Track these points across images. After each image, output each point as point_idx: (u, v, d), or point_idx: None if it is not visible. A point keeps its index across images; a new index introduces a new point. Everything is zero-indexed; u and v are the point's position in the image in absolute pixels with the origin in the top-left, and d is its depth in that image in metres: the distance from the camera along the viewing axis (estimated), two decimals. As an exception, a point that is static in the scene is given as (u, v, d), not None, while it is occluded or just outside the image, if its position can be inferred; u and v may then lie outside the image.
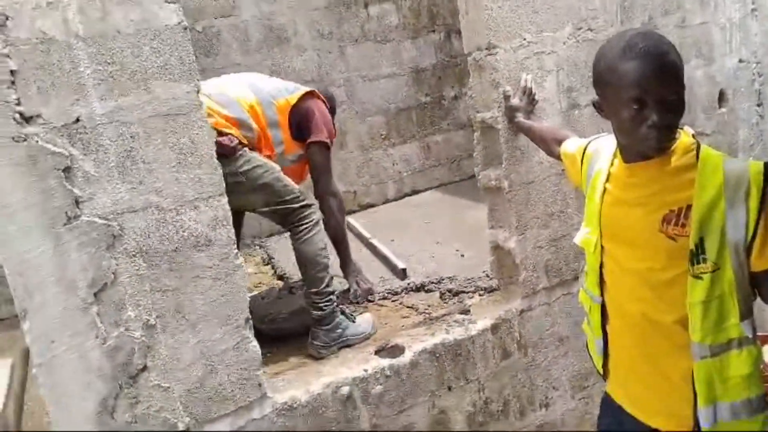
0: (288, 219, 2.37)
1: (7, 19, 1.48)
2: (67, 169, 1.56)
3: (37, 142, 1.53)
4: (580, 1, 2.42)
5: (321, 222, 2.44)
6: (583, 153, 1.57)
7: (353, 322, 2.42)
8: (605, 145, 1.50)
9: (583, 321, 1.68)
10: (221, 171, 1.78)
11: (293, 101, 2.55)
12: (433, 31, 5.06)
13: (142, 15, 1.61)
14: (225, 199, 1.79)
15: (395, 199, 4.99)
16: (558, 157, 1.88)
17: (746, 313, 1.26)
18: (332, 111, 2.88)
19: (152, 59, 1.64)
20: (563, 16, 2.39)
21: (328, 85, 4.51)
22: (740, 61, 3.03)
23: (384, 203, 4.96)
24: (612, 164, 1.44)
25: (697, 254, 1.24)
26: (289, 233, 2.43)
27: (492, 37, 2.26)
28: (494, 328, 2.38)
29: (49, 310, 1.57)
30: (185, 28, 1.67)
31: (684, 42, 2.76)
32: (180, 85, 1.68)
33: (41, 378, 1.59)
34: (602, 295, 1.50)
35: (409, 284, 2.90)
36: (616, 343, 1.50)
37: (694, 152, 1.28)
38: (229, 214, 1.81)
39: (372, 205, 4.90)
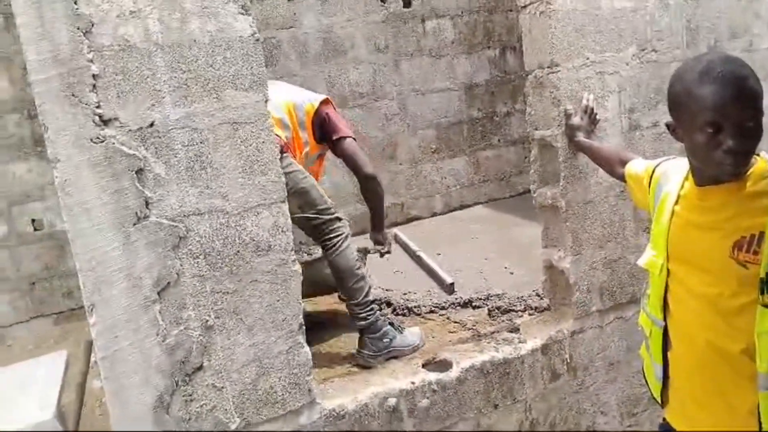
0: (318, 230, 2.43)
1: (92, 25, 1.56)
2: (139, 171, 1.63)
3: (114, 144, 1.60)
4: (645, 22, 2.39)
5: (350, 236, 2.50)
6: (651, 174, 1.55)
7: (401, 333, 2.42)
8: (675, 167, 1.47)
9: (641, 345, 1.64)
10: (284, 179, 1.82)
11: (316, 106, 2.69)
12: (489, 47, 5.07)
13: (217, 25, 1.67)
14: (286, 206, 1.83)
15: (442, 213, 4.99)
16: (621, 178, 1.85)
17: None
18: None
19: (225, 68, 1.69)
20: (628, 36, 2.36)
21: (382, 98, 4.57)
22: (811, 86, 2.92)
23: (431, 216, 4.97)
24: (682, 187, 1.41)
25: (767, 283, 1.21)
26: (321, 248, 2.52)
27: (555, 55, 2.25)
28: (544, 348, 2.35)
29: (115, 305, 1.63)
30: (258, 40, 1.73)
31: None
32: (249, 94, 1.73)
33: (104, 371, 1.65)
34: (665, 319, 1.47)
35: (456, 299, 2.89)
36: (678, 370, 1.46)
37: None
38: (289, 221, 1.85)
39: (419, 218, 4.92)
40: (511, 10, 5.11)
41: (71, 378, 3.01)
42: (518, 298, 2.77)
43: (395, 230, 4.38)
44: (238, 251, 1.77)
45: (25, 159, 3.84)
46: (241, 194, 1.76)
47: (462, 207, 5.09)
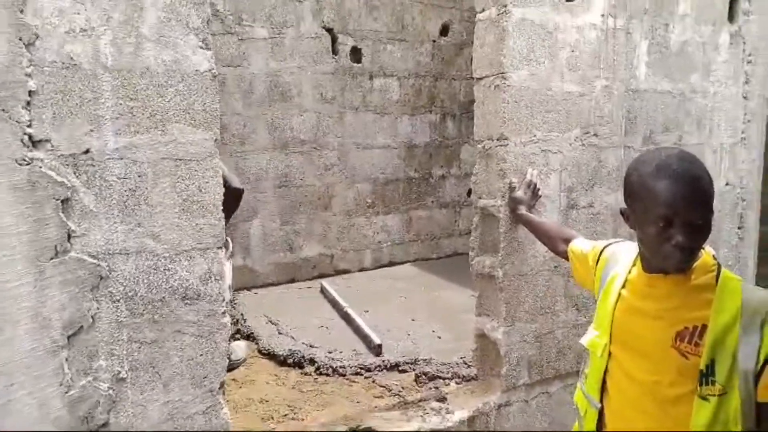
0: None
1: (37, 38, 1.43)
2: (65, 200, 1.48)
3: (41, 168, 1.45)
4: (590, 107, 2.50)
5: None
6: (599, 256, 1.56)
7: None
8: (623, 250, 1.49)
9: (573, 424, 1.62)
10: (223, 223, 1.71)
11: None
12: (431, 111, 5.19)
13: (174, 56, 1.58)
14: (222, 252, 1.72)
15: (372, 268, 4.94)
16: (562, 255, 1.87)
17: None
18: None
19: (176, 101, 1.60)
20: (573, 119, 2.46)
21: (323, 147, 4.54)
22: (726, 184, 3.14)
23: (360, 270, 4.90)
24: (630, 271, 1.43)
25: (706, 375, 1.22)
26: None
27: (504, 128, 2.30)
28: (471, 420, 2.29)
29: (17, 348, 1.44)
30: (215, 76, 1.65)
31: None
32: (198, 131, 1.64)
33: (-9, 422, 1.44)
34: (602, 401, 1.46)
35: (383, 361, 2.81)
36: None
37: (714, 273, 1.28)
38: (224, 268, 1.73)
39: (347, 271, 4.83)
40: (455, 79, 5.28)
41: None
42: (445, 364, 2.72)
43: (323, 282, 4.28)
44: (164, 297, 1.63)
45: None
46: (175, 236, 1.63)
47: (391, 264, 5.07)
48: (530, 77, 2.33)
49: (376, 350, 2.96)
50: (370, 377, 2.68)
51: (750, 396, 1.20)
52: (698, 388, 1.22)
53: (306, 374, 2.71)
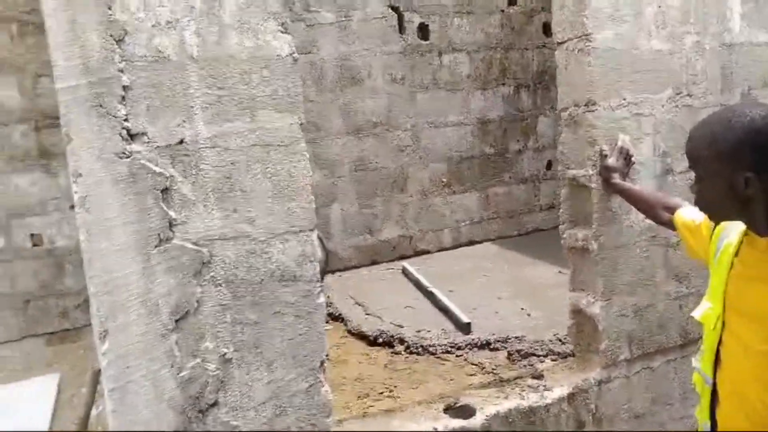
0: None
1: (126, 33, 1.48)
2: (165, 190, 1.53)
3: (140, 160, 1.50)
4: (681, 65, 2.34)
5: None
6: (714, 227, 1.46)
7: None
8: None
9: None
10: (314, 206, 1.72)
11: None
12: (503, 84, 5.05)
13: (256, 42, 1.60)
14: (314, 235, 1.73)
15: (451, 248, 4.89)
16: (666, 224, 1.77)
17: None
18: None
19: (261, 88, 1.61)
20: (664, 79, 2.31)
21: (395, 129, 4.52)
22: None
23: (439, 251, 4.87)
24: (742, 240, 1.33)
25: None
26: None
27: (592, 93, 2.18)
28: (571, 397, 2.23)
29: (130, 333, 1.52)
30: (296, 60, 1.65)
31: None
32: (285, 116, 1.65)
33: (112, 404, 1.52)
34: (715, 376, 1.37)
35: (473, 340, 2.78)
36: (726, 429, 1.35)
37: None
38: (318, 250, 1.74)
39: (427, 252, 4.81)
40: (527, 49, 5.11)
41: (64, 403, 2.85)
42: (539, 341, 2.66)
43: (404, 263, 4.28)
44: (263, 280, 1.66)
45: (29, 171, 3.73)
46: (269, 220, 1.66)
47: (471, 243, 5.00)
48: (615, 37, 2.20)
49: (465, 329, 2.93)
50: (461, 355, 2.66)
51: None
52: None
53: (396, 353, 2.73)
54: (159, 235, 1.53)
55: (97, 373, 2.91)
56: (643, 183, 2.28)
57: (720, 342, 1.36)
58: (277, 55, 1.64)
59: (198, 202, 1.57)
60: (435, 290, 3.47)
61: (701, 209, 1.34)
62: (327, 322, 3.01)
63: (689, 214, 1.63)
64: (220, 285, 1.60)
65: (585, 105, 2.21)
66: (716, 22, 2.41)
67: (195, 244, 1.57)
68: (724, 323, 1.34)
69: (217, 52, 1.57)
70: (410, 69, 4.60)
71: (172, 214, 1.54)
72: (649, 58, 2.28)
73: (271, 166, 1.64)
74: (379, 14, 4.44)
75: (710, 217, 1.36)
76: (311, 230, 1.71)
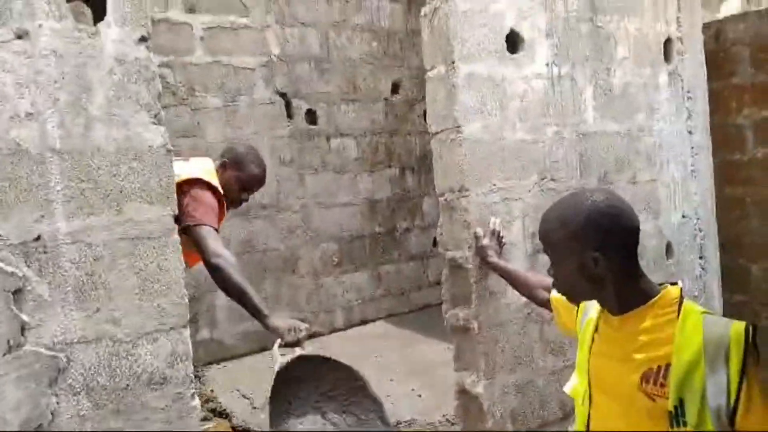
0: None
1: (-21, 127, 1.39)
2: (17, 292, 1.41)
3: (-12, 259, 1.38)
4: (544, 153, 2.56)
5: None
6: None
7: None
8: None
9: None
10: (187, 301, 1.65)
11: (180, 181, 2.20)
12: (389, 166, 5.24)
13: (125, 134, 1.56)
14: (187, 332, 1.65)
15: (344, 329, 4.84)
16: (541, 303, 1.85)
17: None
18: (238, 163, 2.60)
19: (130, 179, 1.56)
20: (530, 165, 2.50)
21: (285, 210, 4.51)
22: (683, 216, 3.23)
23: (331, 332, 4.80)
24: (599, 316, 1.42)
25: (676, 416, 1.18)
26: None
27: (464, 180, 2.32)
28: (460, 483, 2.21)
29: (-34, 457, 1.34)
30: (169, 151, 1.63)
31: (636, 197, 2.92)
32: (155, 207, 1.60)
33: None
34: None
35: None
36: None
37: (677, 307, 1.25)
38: (190, 349, 1.65)
39: (320, 334, 4.71)
40: (410, 134, 5.38)
41: None
42: (429, 424, 2.65)
43: (298, 350, 4.15)
44: (128, 385, 1.54)
45: None
46: (136, 318, 1.56)
47: (363, 322, 4.98)
48: (483, 129, 2.38)
49: (356, 416, 2.85)
50: (351, 446, 2.57)
51: None
52: (669, 428, 1.18)
53: (284, 449, 2.58)
54: (8, 341, 1.39)
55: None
56: (515, 263, 2.41)
57: (590, 417, 1.41)
58: (149, 146, 1.60)
59: (55, 302, 1.45)
60: (326, 376, 3.38)
61: (559, 291, 1.41)
62: (209, 419, 2.84)
63: None
64: (79, 393, 1.47)
65: (459, 191, 2.34)
66: (573, 113, 2.68)
67: (50, 349, 1.44)
68: (591, 398, 1.40)
69: (82, 143, 1.51)
70: (299, 152, 4.67)
71: (24, 317, 1.41)
72: (515, 147, 2.47)
73: (139, 261, 1.57)
74: (267, 100, 4.51)
75: (568, 298, 1.41)
76: (183, 327, 1.63)
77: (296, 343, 2.23)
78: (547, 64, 2.57)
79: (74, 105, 1.50)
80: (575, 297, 1.40)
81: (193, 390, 1.64)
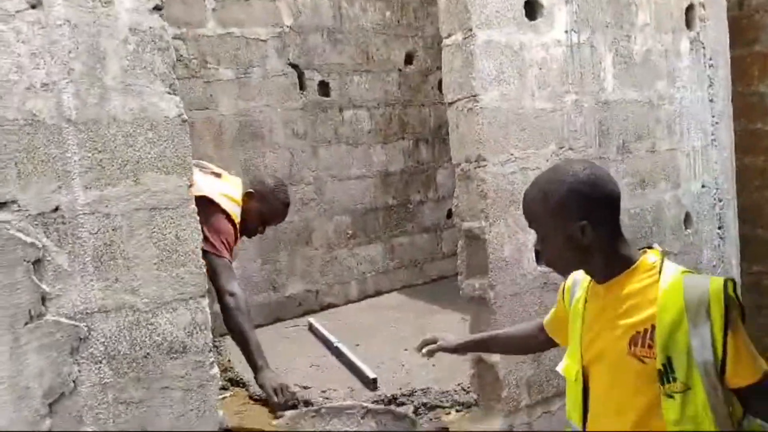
0: None
1: (-5, 98, 1.38)
2: (37, 262, 1.42)
3: (9, 230, 1.39)
4: (563, 122, 2.52)
5: None
6: (563, 290, 1.52)
7: None
8: (581, 272, 1.45)
9: None
10: (205, 270, 1.66)
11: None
12: (403, 138, 5.19)
13: (141, 104, 1.55)
14: (206, 301, 1.66)
15: (358, 300, 4.86)
16: (546, 343, 1.67)
17: None
18: (265, 198, 2.73)
19: (146, 150, 1.56)
20: (548, 134, 2.47)
21: (299, 182, 4.51)
22: (703, 186, 3.18)
23: (346, 304, 4.82)
24: (587, 290, 1.40)
25: (666, 373, 1.20)
26: None
27: (481, 150, 2.29)
28: (475, 450, 2.23)
29: (-6, 423, 1.36)
30: (184, 121, 1.62)
31: (655, 166, 2.88)
32: (172, 177, 1.59)
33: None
34: (584, 425, 1.41)
35: (380, 396, 2.73)
36: None
37: (657, 269, 1.26)
38: (209, 318, 1.67)
39: (334, 305, 4.75)
40: (423, 105, 5.31)
41: None
42: (444, 392, 2.67)
43: (310, 319, 4.20)
44: (148, 354, 1.56)
45: None
46: (155, 288, 1.57)
47: (377, 293, 5.00)
48: (501, 97, 2.34)
49: (372, 385, 2.88)
50: (367, 414, 2.60)
51: (715, 388, 1.18)
52: (661, 387, 1.21)
53: (301, 417, 2.62)
54: (30, 311, 1.41)
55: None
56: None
57: (587, 392, 1.40)
58: (165, 117, 1.59)
59: (75, 273, 1.46)
60: (341, 346, 3.41)
61: (548, 264, 1.41)
62: (227, 389, 2.87)
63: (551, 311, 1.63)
64: (100, 362, 1.49)
65: (476, 161, 2.31)
66: (592, 81, 2.63)
67: (71, 318, 1.46)
68: (586, 375, 1.36)
69: (98, 114, 1.50)
70: (312, 124, 4.63)
71: (45, 287, 1.43)
72: (533, 116, 2.43)
73: (157, 231, 1.57)
74: (279, 71, 4.46)
75: (556, 270, 1.42)
76: (202, 296, 1.64)
77: (286, 407, 2.44)
78: (566, 31, 2.51)
79: (89, 75, 1.49)
80: (564, 268, 1.40)
81: (212, 359, 1.66)
